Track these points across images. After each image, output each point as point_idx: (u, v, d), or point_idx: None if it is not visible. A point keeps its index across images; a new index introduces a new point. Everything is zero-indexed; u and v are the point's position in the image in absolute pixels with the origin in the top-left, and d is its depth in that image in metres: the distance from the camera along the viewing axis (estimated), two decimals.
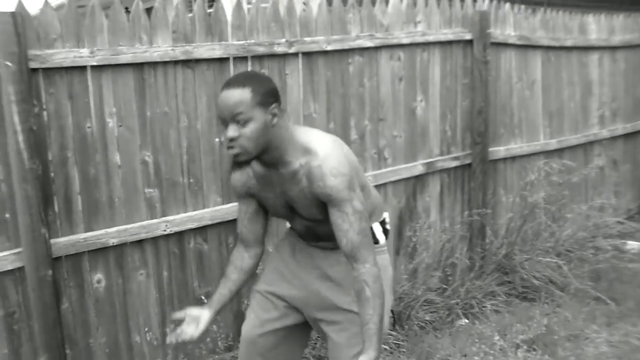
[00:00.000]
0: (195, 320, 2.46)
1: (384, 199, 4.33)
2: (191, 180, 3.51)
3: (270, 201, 2.47)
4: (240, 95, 2.15)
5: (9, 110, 2.86)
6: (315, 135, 2.37)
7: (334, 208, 2.26)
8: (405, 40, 4.36)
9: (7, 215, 3.00)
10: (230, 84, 2.20)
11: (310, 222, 2.44)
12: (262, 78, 2.31)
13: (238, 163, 2.35)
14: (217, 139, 3.57)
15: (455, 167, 4.83)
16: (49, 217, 3.08)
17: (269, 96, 2.21)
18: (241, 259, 2.60)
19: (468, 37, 4.77)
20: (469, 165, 4.90)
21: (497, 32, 4.98)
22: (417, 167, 4.53)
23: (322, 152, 2.25)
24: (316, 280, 2.58)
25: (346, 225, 2.25)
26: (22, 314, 3.08)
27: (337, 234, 2.28)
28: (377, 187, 4.27)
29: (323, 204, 2.30)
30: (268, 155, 2.26)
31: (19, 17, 2.86)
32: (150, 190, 3.37)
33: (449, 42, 4.70)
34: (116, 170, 3.27)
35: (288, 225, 2.74)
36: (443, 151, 4.74)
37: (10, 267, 3.01)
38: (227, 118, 2.16)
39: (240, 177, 2.49)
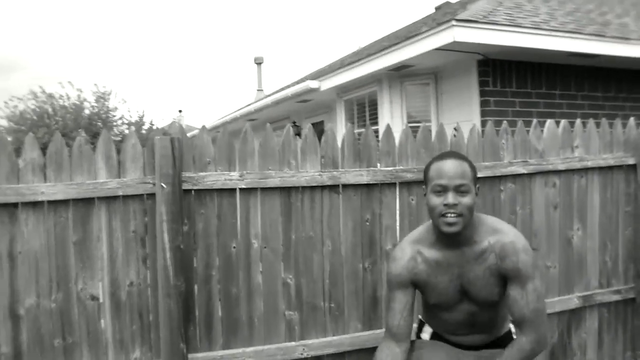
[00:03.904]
0: None
1: None
2: (332, 305, 3.48)
3: (441, 285, 2.52)
4: (463, 168, 2.39)
5: (161, 229, 3.03)
6: (499, 220, 2.60)
7: (516, 284, 2.43)
8: (561, 167, 4.18)
9: (151, 326, 3.13)
10: (451, 156, 2.44)
11: (479, 306, 2.53)
12: (469, 159, 2.52)
13: (446, 232, 2.39)
14: (360, 265, 3.55)
15: (617, 302, 4.45)
16: (189, 333, 3.16)
17: (477, 177, 2.48)
18: (393, 356, 2.56)
19: (631, 161, 4.50)
20: (633, 299, 4.51)
21: None
22: (572, 300, 4.23)
23: (511, 231, 2.49)
24: None
25: (523, 301, 2.41)
26: None
27: (511, 307, 2.45)
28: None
29: (503, 283, 2.47)
30: (463, 232, 2.42)
31: (176, 142, 3.07)
32: (291, 312, 3.38)
33: (610, 168, 4.45)
34: (258, 291, 3.32)
35: (425, 333, 2.81)
36: (602, 284, 4.40)
37: None
38: (450, 186, 2.35)
39: (407, 264, 2.56)
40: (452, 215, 2.34)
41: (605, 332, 4.44)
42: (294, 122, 11.80)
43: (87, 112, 20.36)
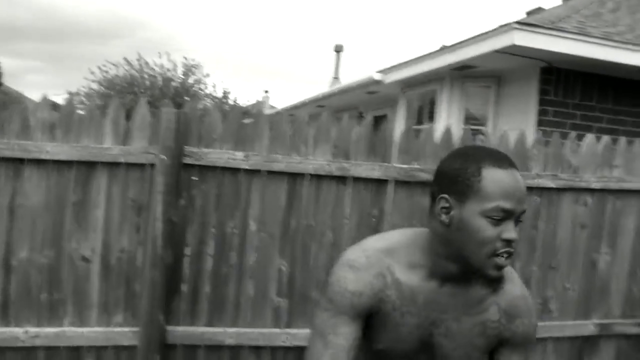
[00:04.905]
0: None
1: (543, 356, 3.91)
2: None
3: (404, 329, 1.65)
4: (524, 185, 1.56)
5: (155, 199, 3.05)
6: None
7: (520, 355, 1.72)
8: (595, 185, 3.96)
9: (136, 294, 3.17)
10: (512, 164, 1.55)
11: None
12: None
13: (492, 278, 1.59)
14: None
15: (638, 335, 4.22)
16: (173, 305, 3.19)
17: None
18: None
19: None
20: None
21: None
22: (587, 327, 4.02)
23: (518, 280, 1.73)
24: None
25: None
26: None
27: None
28: (536, 340, 3.87)
29: (489, 350, 1.70)
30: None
31: (182, 116, 3.08)
32: (280, 299, 3.35)
33: None
34: (249, 273, 3.31)
35: None
36: (625, 313, 4.16)
37: (126, 343, 3.16)
38: (516, 212, 1.51)
39: (372, 282, 1.61)
40: (508, 257, 1.52)
41: None
42: (360, 113, 11.76)
43: (175, 84, 21.12)
